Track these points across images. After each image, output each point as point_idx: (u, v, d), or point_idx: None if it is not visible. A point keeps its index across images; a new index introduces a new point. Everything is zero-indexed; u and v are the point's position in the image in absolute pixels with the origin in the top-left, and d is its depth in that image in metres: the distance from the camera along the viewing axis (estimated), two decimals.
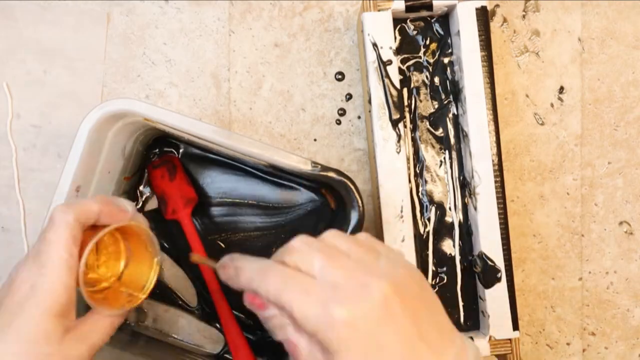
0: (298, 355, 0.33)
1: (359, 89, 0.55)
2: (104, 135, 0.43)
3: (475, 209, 0.48)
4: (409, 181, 0.50)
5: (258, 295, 0.34)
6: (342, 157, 0.55)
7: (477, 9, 0.48)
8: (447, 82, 0.51)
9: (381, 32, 0.48)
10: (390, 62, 0.48)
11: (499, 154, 0.48)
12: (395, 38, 0.50)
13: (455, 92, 0.50)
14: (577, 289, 0.56)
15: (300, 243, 0.34)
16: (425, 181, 0.51)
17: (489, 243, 0.48)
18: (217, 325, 0.53)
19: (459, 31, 0.48)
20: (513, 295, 0.48)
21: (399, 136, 0.48)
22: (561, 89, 0.55)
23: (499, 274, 0.48)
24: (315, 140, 0.55)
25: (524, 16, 0.55)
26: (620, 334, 0.56)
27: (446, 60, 0.51)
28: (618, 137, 0.55)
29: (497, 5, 0.55)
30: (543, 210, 0.55)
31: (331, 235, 0.35)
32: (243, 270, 0.35)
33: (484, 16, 0.48)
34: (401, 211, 0.48)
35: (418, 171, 0.51)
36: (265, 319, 0.35)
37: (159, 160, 0.53)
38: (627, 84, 0.55)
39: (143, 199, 0.54)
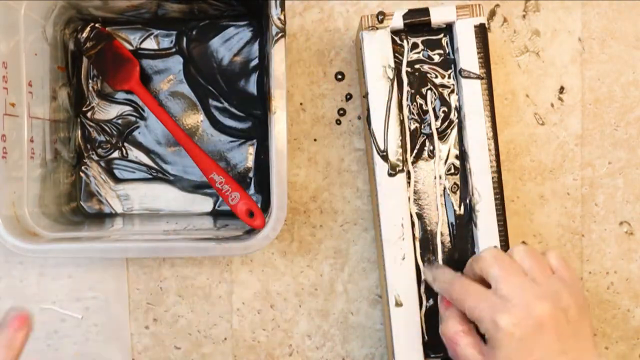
0: (460, 349, 0.43)
1: (359, 89, 0.55)
2: (15, 9, 0.48)
3: (476, 225, 0.48)
4: (409, 199, 0.49)
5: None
6: (342, 157, 0.55)
7: (475, 27, 0.48)
8: (448, 99, 0.50)
9: (380, 51, 0.48)
10: (390, 80, 0.48)
11: (498, 171, 0.48)
12: (394, 56, 0.49)
13: (455, 109, 0.50)
14: None
15: (488, 255, 0.43)
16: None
17: None
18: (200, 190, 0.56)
19: (457, 48, 0.48)
20: None
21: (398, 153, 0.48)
22: (561, 89, 0.55)
23: None
24: (315, 140, 0.55)
25: (524, 16, 0.55)
26: (620, 335, 0.56)
27: (447, 77, 0.50)
28: (618, 137, 0.55)
29: (497, 5, 0.55)
30: (543, 211, 0.55)
31: (519, 251, 0.43)
32: (437, 281, 0.46)
33: (482, 34, 0.48)
34: (402, 228, 0.48)
35: (418, 189, 0.50)
36: (446, 315, 0.44)
37: (89, 44, 0.55)
38: (628, 84, 0.55)
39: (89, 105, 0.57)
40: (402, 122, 0.49)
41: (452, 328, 0.43)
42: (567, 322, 0.40)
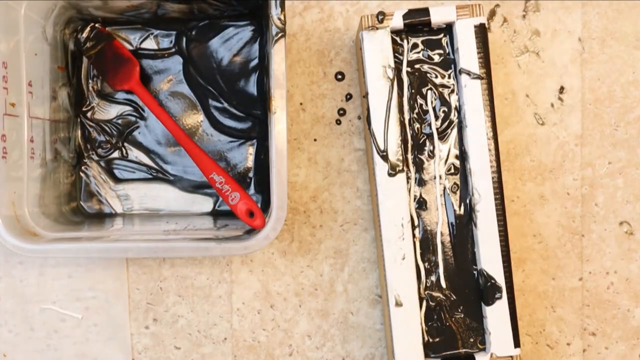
0: None
1: (359, 89, 0.55)
2: (15, 9, 0.48)
3: (475, 225, 0.48)
4: (409, 199, 0.49)
5: None
6: (342, 157, 0.55)
7: (475, 27, 0.48)
8: (448, 99, 0.50)
9: (380, 51, 0.48)
10: (390, 80, 0.48)
11: (498, 171, 0.48)
12: (394, 55, 0.49)
13: (455, 109, 0.50)
14: (578, 289, 0.56)
15: None
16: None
17: (489, 260, 0.48)
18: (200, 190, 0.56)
19: (457, 48, 0.48)
20: (514, 312, 0.48)
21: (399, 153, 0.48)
22: (561, 89, 0.55)
23: (500, 291, 0.48)
24: (315, 140, 0.55)
25: (524, 16, 0.55)
26: (620, 334, 0.56)
27: (447, 77, 0.50)
28: (618, 137, 0.55)
29: (497, 5, 0.55)
30: (543, 211, 0.55)
31: None
32: None
33: (482, 33, 0.48)
34: (402, 228, 0.48)
35: (418, 189, 0.50)
36: None
37: (89, 44, 0.55)
38: (628, 84, 0.55)
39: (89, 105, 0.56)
40: (402, 122, 0.49)
41: None
42: None
